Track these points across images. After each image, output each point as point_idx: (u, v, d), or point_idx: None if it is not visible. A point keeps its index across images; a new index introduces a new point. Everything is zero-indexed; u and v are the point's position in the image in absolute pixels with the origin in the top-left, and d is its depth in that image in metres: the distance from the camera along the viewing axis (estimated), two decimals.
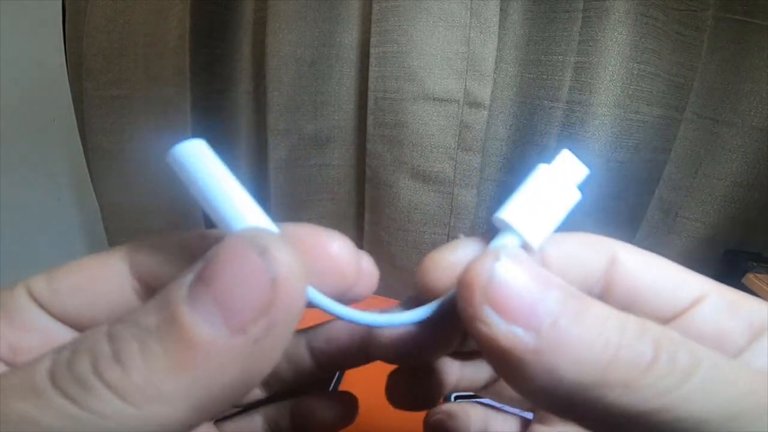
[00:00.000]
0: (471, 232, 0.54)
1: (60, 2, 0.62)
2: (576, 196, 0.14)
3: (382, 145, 0.52)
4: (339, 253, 0.12)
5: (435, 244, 0.61)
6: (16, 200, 0.68)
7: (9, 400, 0.09)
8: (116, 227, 0.67)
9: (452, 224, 0.53)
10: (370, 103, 0.51)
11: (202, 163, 0.12)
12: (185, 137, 0.12)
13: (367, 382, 0.41)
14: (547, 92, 0.48)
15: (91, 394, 0.09)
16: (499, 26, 0.46)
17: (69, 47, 0.61)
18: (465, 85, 0.47)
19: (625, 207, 0.49)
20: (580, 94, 0.45)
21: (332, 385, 0.38)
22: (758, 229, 0.49)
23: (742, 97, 0.45)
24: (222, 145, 0.61)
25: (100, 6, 0.56)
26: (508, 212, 0.13)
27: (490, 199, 0.56)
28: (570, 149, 0.15)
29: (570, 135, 0.46)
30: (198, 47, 0.54)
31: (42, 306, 0.12)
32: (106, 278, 0.12)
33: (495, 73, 0.48)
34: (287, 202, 0.60)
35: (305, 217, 0.62)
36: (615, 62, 0.42)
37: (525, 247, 0.13)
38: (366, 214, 0.58)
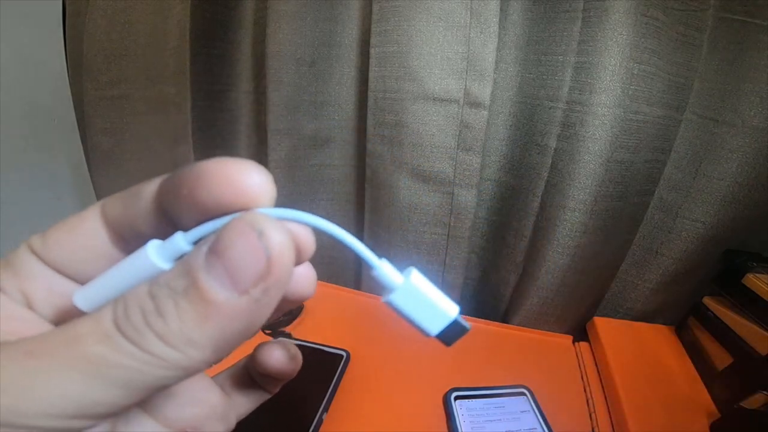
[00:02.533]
0: (469, 232, 0.54)
1: (60, 2, 0.62)
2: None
3: (382, 145, 0.52)
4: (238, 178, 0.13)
5: (435, 244, 0.61)
6: (16, 200, 0.68)
7: (88, 344, 0.11)
8: None
9: (452, 224, 0.53)
10: (370, 103, 0.51)
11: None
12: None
13: (354, 406, 0.41)
14: (547, 92, 0.48)
15: (146, 339, 0.11)
16: (499, 26, 0.46)
17: (69, 47, 0.61)
18: (465, 85, 0.47)
19: (626, 207, 0.49)
20: (580, 94, 0.45)
21: (322, 408, 0.38)
22: (758, 229, 0.49)
23: (742, 97, 0.45)
24: (222, 145, 0.61)
25: (101, 6, 0.56)
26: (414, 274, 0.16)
27: (490, 199, 0.56)
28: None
29: (570, 135, 0.46)
30: (198, 47, 0.54)
31: (39, 258, 0.14)
32: (83, 231, 0.15)
33: (495, 73, 0.48)
34: (287, 202, 0.60)
35: None
36: (615, 62, 0.42)
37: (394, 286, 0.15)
38: (366, 214, 0.58)
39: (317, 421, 0.37)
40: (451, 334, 0.16)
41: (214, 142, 0.59)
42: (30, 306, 0.14)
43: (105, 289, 0.13)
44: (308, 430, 0.36)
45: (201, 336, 0.12)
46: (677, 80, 0.45)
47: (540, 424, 0.39)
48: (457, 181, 0.51)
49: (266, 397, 0.20)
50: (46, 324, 0.14)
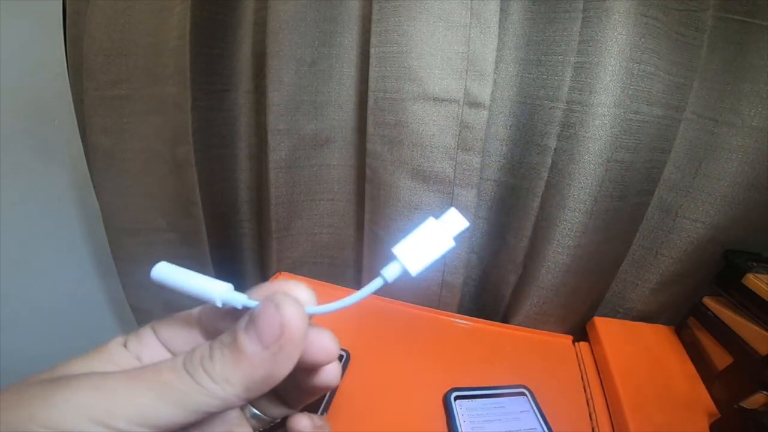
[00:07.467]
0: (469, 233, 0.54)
1: (60, 2, 0.62)
2: (450, 245, 0.20)
3: (382, 145, 0.52)
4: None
5: None
6: (16, 200, 0.68)
7: (162, 373, 0.17)
8: (116, 227, 0.67)
9: None
10: (370, 103, 0.51)
11: (173, 276, 0.20)
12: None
13: (354, 406, 0.41)
14: (547, 92, 0.48)
15: (198, 373, 0.17)
16: (499, 26, 0.46)
17: (69, 47, 0.61)
18: (465, 85, 0.47)
19: (626, 207, 0.49)
20: (580, 94, 0.45)
21: (321, 408, 0.39)
22: (758, 229, 0.49)
23: (742, 97, 0.45)
24: (222, 145, 0.61)
25: (101, 6, 0.56)
26: (399, 248, 0.20)
27: (490, 199, 0.56)
28: (457, 209, 0.21)
29: (570, 135, 0.46)
30: (198, 47, 0.54)
31: (156, 334, 0.21)
32: (187, 324, 0.22)
33: (495, 73, 0.48)
34: (287, 201, 0.60)
35: (305, 216, 0.62)
36: (615, 62, 0.42)
37: (406, 274, 0.20)
38: (366, 214, 0.58)
39: None
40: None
41: (214, 142, 0.59)
42: (139, 360, 0.21)
43: (181, 278, 0.20)
44: None
45: (234, 376, 0.17)
46: (677, 80, 0.45)
47: (540, 424, 0.39)
48: (457, 181, 0.51)
49: None
50: None
